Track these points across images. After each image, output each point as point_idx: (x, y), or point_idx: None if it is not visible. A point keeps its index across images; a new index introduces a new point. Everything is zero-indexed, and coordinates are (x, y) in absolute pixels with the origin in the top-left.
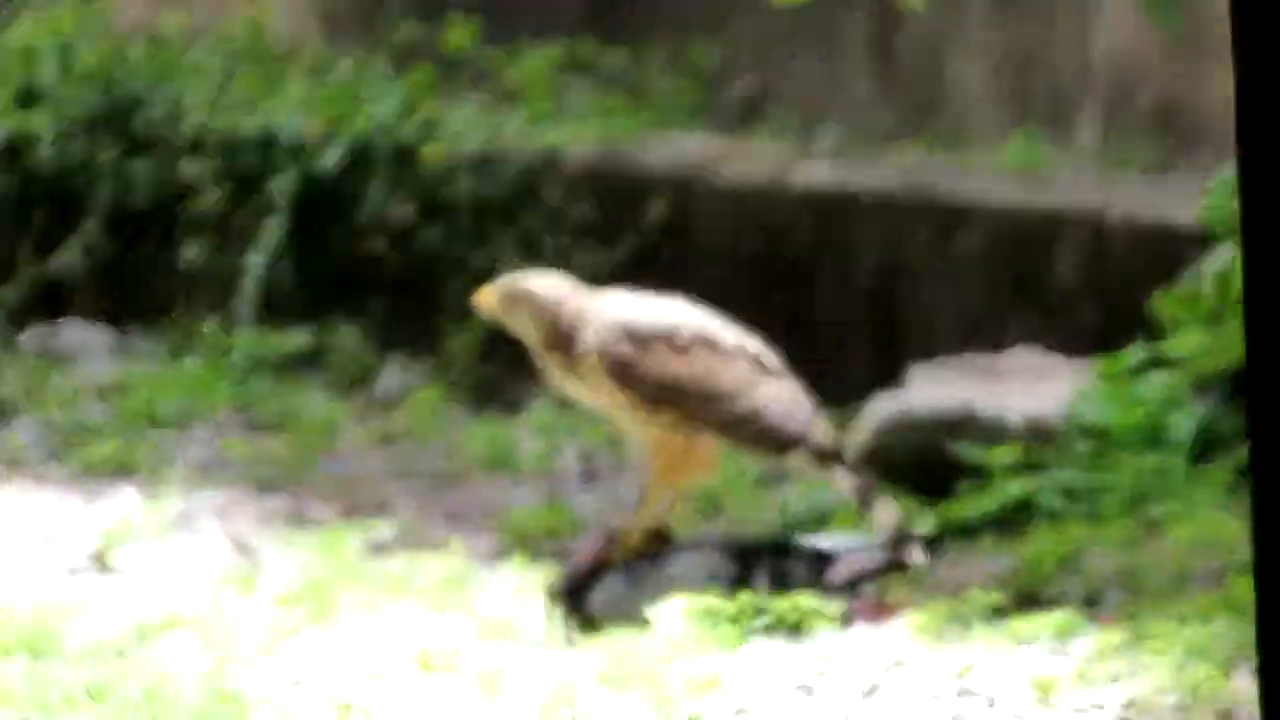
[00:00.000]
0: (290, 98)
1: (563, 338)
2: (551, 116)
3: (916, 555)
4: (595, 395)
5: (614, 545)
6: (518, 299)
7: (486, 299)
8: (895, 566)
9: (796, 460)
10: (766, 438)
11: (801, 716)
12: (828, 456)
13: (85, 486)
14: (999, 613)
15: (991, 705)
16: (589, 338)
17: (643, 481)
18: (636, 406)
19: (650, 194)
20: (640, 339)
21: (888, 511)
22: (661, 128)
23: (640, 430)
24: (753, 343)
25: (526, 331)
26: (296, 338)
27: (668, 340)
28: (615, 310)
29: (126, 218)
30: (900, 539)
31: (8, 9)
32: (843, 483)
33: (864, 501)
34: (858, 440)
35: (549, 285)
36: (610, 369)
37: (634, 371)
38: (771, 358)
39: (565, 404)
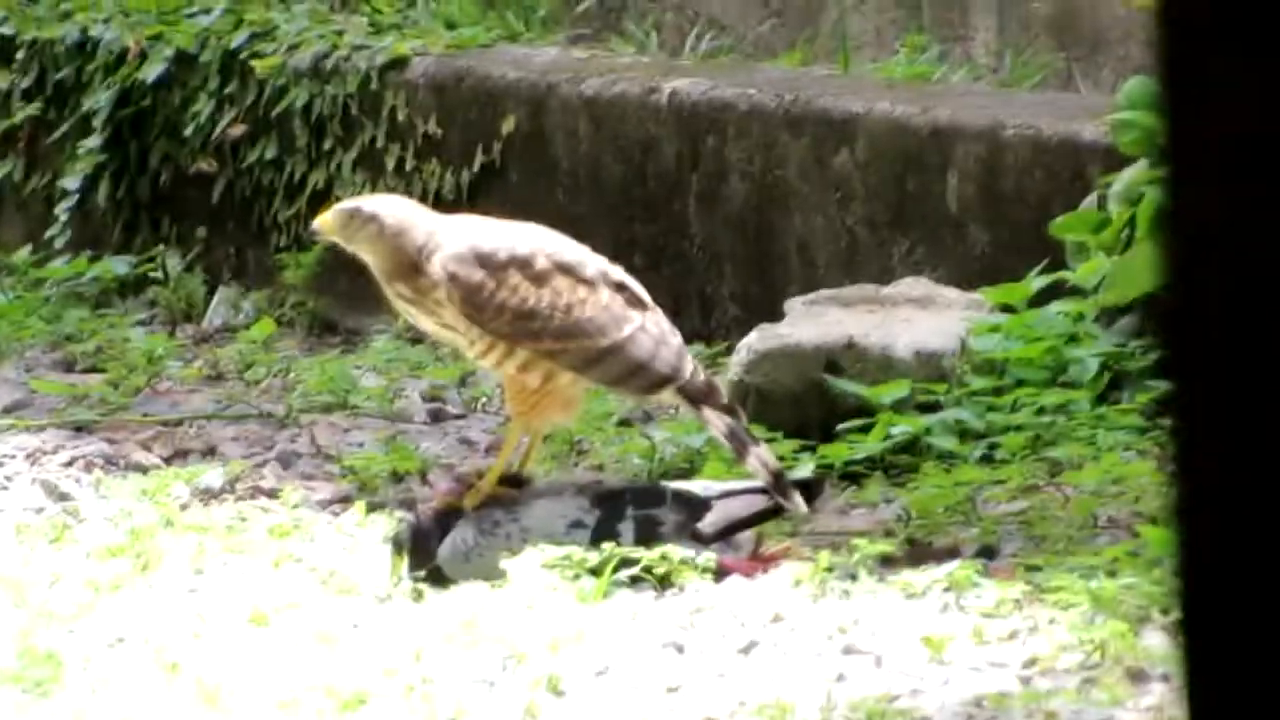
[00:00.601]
0: (107, 4)
1: (408, 265)
2: (396, 23)
3: (795, 502)
4: (444, 327)
5: (464, 491)
6: (360, 222)
7: (325, 223)
8: (772, 514)
9: (665, 400)
10: (632, 375)
11: (671, 676)
12: (698, 396)
13: None
14: (886, 563)
15: (879, 664)
16: (437, 265)
17: (500, 422)
18: (489, 340)
19: (502, 108)
20: (493, 265)
21: (762, 455)
22: (514, 36)
23: (497, 367)
24: (616, 271)
25: (370, 258)
26: (116, 266)
27: (523, 267)
28: (465, 235)
29: None
30: (777, 485)
31: None
32: (714, 424)
33: (737, 445)
34: (730, 378)
35: (393, 208)
36: (461, 298)
37: (486, 301)
38: (637, 288)
39: (410, 338)
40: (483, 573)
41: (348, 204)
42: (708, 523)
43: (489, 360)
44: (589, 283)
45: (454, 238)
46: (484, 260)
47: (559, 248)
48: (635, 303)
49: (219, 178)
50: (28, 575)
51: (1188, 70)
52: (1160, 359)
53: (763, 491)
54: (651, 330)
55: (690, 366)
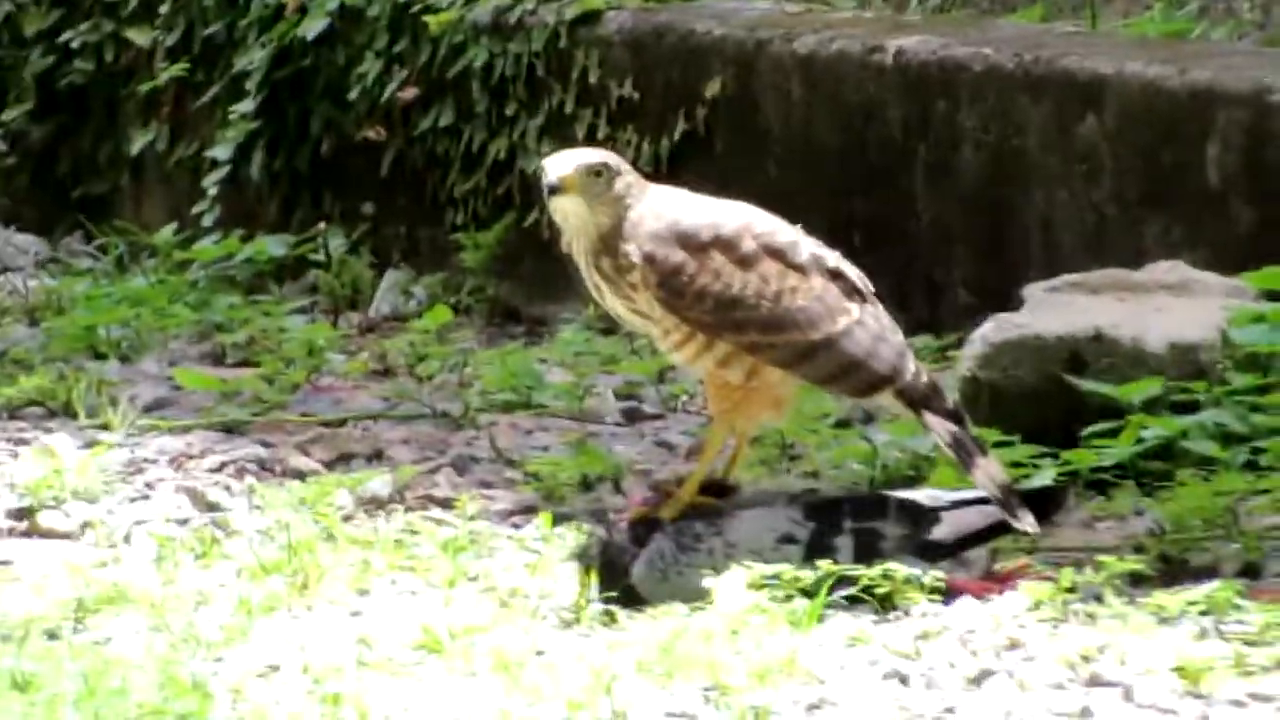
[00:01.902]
0: None
1: (611, 239)
2: None
3: (1026, 521)
4: (638, 314)
5: (661, 500)
6: (608, 179)
7: (569, 180)
8: (1008, 528)
9: (883, 402)
10: (846, 374)
11: (894, 709)
12: (920, 399)
13: (8, 429)
14: (1137, 583)
15: (1128, 697)
16: (635, 243)
17: (702, 423)
18: (687, 330)
19: (706, 68)
20: (695, 246)
21: (990, 468)
22: None
23: (695, 361)
24: (832, 256)
25: (595, 225)
26: (271, 247)
27: (728, 249)
28: (666, 210)
29: (60, 97)
30: (1006, 501)
31: None
32: (937, 431)
33: (962, 454)
34: (962, 374)
35: (626, 168)
36: (658, 282)
37: (685, 286)
38: (854, 274)
39: (602, 328)
40: (682, 593)
41: (588, 156)
42: (935, 537)
43: (685, 353)
44: (801, 269)
45: (651, 213)
46: (685, 240)
47: (769, 228)
48: (852, 293)
49: (388, 147)
50: (171, 595)
51: None
52: None
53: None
54: (870, 324)
55: (912, 366)
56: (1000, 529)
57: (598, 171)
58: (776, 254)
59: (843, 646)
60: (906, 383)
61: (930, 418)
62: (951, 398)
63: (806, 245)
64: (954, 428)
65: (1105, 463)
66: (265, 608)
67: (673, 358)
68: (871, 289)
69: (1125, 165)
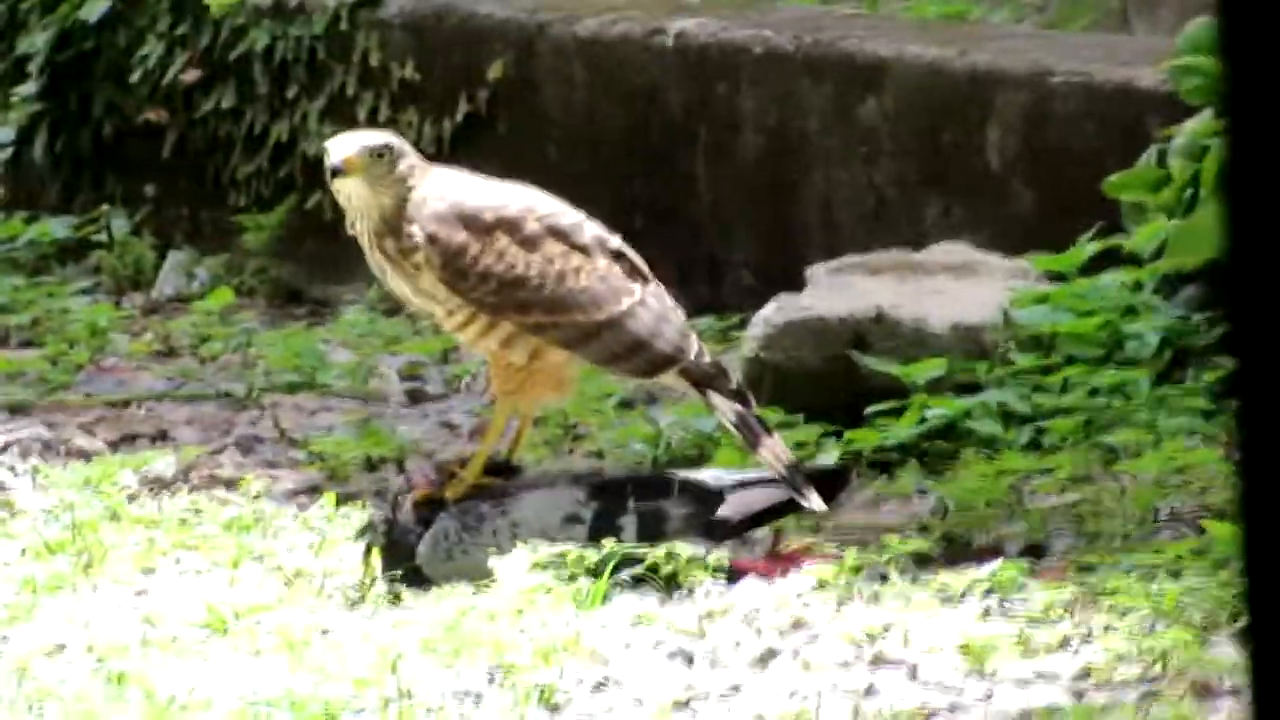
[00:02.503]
0: None
1: (394, 220)
2: None
3: (812, 500)
4: (422, 294)
5: (445, 481)
6: (389, 161)
7: (352, 162)
8: (793, 508)
9: (667, 382)
10: (630, 354)
11: (679, 688)
12: (705, 379)
13: None
14: (921, 563)
15: (913, 676)
16: (418, 224)
17: (485, 403)
18: (470, 311)
19: (487, 50)
20: (479, 227)
21: (776, 447)
22: None
23: (479, 342)
24: (613, 239)
25: (378, 206)
26: (54, 229)
27: (511, 230)
28: (449, 191)
29: None
30: (792, 480)
31: None
32: (722, 411)
33: (747, 434)
34: (745, 355)
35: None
36: (441, 263)
37: (469, 266)
38: (636, 258)
39: (385, 308)
40: (467, 572)
41: (371, 138)
42: (720, 517)
43: (468, 334)
44: (585, 249)
45: (437, 194)
46: (468, 221)
47: (552, 209)
48: (635, 274)
49: (170, 129)
50: None
51: (1255, 8)
52: (1227, 333)
53: (778, 486)
54: (653, 305)
55: (696, 346)
56: (785, 508)
57: (380, 153)
58: (560, 235)
59: (628, 626)
60: (690, 362)
61: (715, 397)
62: (736, 378)
63: (590, 227)
64: (739, 407)
65: (889, 442)
66: (50, 587)
67: (457, 338)
68: (650, 273)
69: (906, 147)
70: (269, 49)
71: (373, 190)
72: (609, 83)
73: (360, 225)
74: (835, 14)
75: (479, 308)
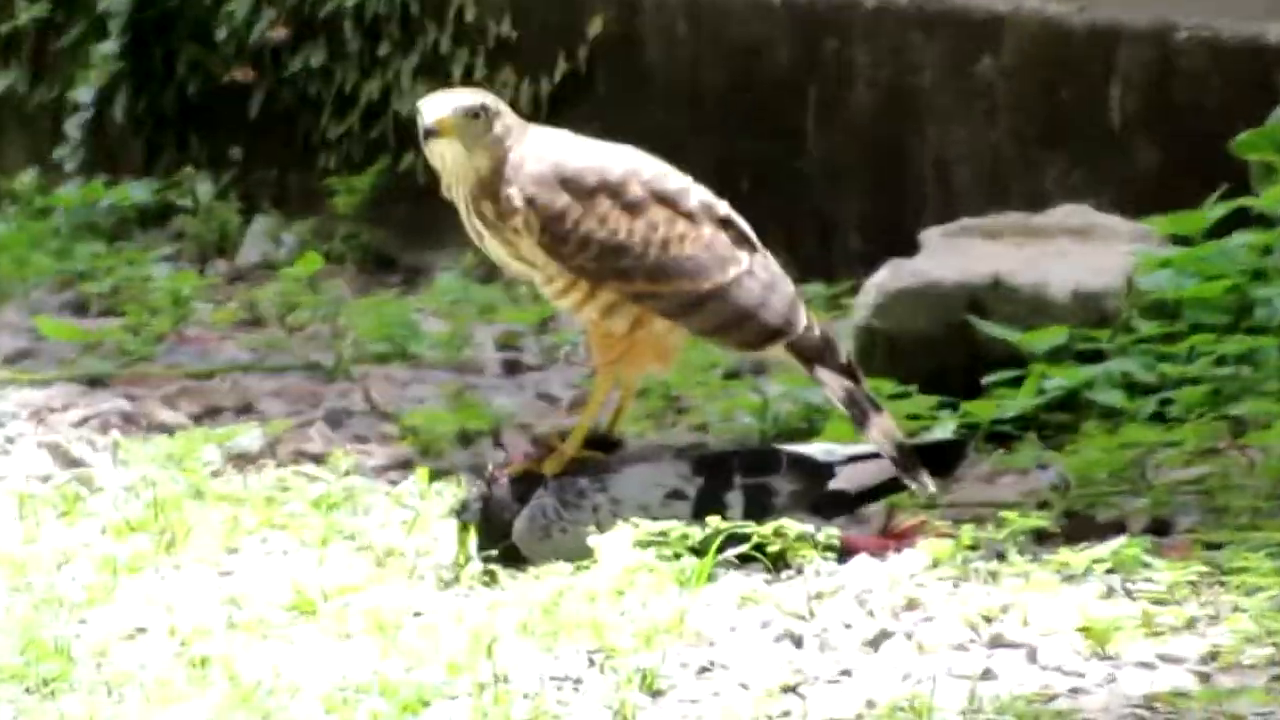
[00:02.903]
0: None
1: (491, 183)
2: None
3: (922, 480)
4: (520, 261)
5: (543, 455)
6: (485, 121)
7: (445, 124)
8: (902, 484)
9: (774, 355)
10: (736, 326)
11: (787, 672)
12: (813, 353)
13: None
14: (1040, 540)
15: (1032, 658)
16: (517, 186)
17: (586, 374)
18: (570, 278)
19: (587, 6)
20: (580, 190)
21: (885, 425)
22: None
23: (579, 309)
24: (721, 206)
25: (473, 169)
26: (135, 192)
27: (614, 194)
28: (549, 153)
29: None
30: (902, 459)
31: None
32: (830, 386)
33: (855, 411)
34: (856, 322)
35: (504, 109)
36: (540, 227)
37: (569, 232)
38: (744, 226)
39: (481, 275)
40: (565, 552)
41: (466, 98)
42: (829, 493)
43: (568, 301)
44: (690, 215)
45: (536, 155)
46: (569, 184)
47: (657, 173)
48: (742, 241)
49: (257, 89)
50: (33, 555)
51: None
52: None
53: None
54: (760, 274)
55: (804, 318)
56: (897, 484)
57: (475, 114)
58: (665, 200)
59: (733, 607)
60: (799, 335)
61: (823, 372)
62: (845, 351)
63: (696, 192)
64: (848, 383)
65: (1007, 414)
66: (131, 567)
67: (556, 305)
68: (759, 242)
69: (1024, 104)
70: (360, 5)
71: (468, 152)
72: (714, 39)
73: (455, 189)
74: None
75: (579, 274)
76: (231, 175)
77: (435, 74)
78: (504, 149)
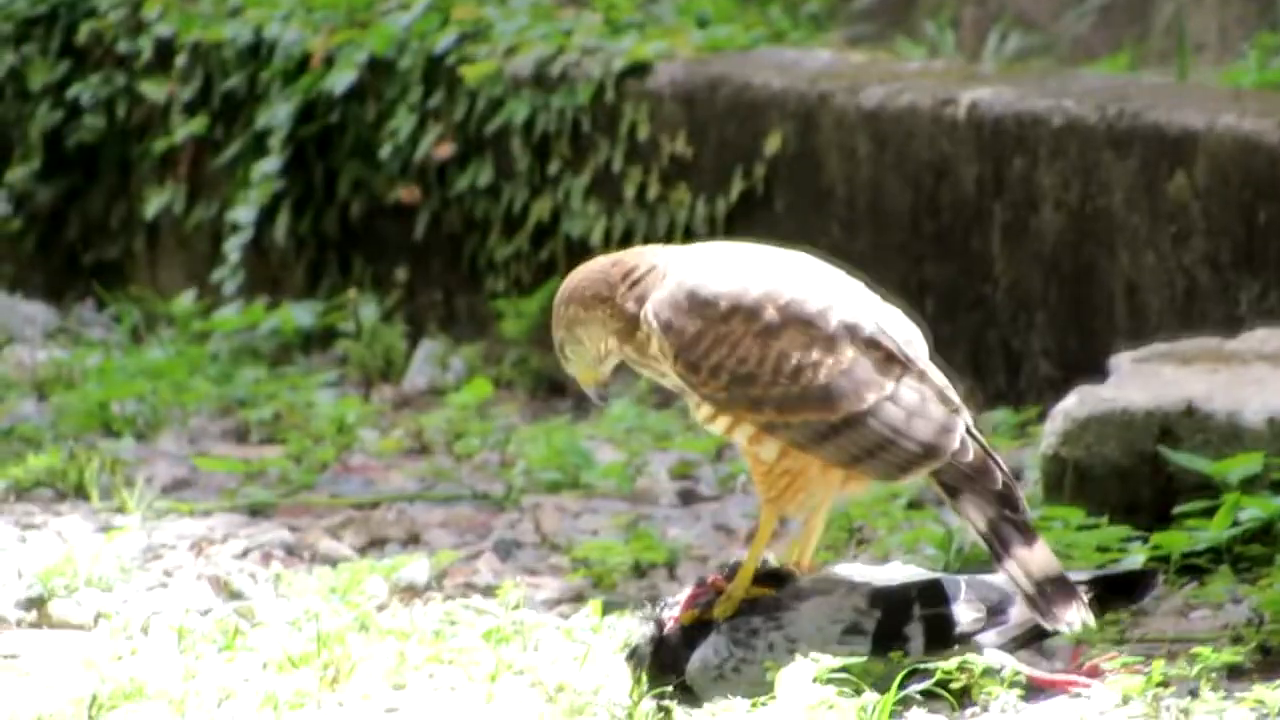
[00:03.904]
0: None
1: (627, 314)
2: (636, 22)
3: (1064, 620)
4: (677, 386)
5: (714, 599)
6: (568, 315)
7: (581, 377)
8: (1037, 634)
9: (920, 482)
10: (872, 455)
11: None
12: (960, 480)
13: (16, 513)
14: (1235, 676)
15: None
16: (650, 310)
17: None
18: (705, 402)
19: (765, 122)
20: (713, 315)
21: (1028, 561)
22: (779, 35)
23: (729, 435)
24: (879, 317)
25: (608, 344)
26: (298, 315)
27: (749, 318)
28: (690, 276)
29: (69, 156)
30: (1041, 598)
31: None
32: (973, 519)
33: (997, 543)
34: (1044, 450)
35: (583, 273)
36: (674, 353)
37: (701, 358)
38: (898, 340)
39: (656, 403)
40: (741, 690)
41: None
42: (1014, 625)
43: (718, 427)
44: (830, 340)
45: (674, 274)
46: (702, 308)
47: (800, 294)
48: (890, 362)
49: (422, 208)
50: (193, 690)
51: None
52: None
53: (1090, 584)
54: (906, 398)
55: (955, 444)
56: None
57: (558, 318)
58: (802, 324)
59: None
60: (945, 462)
61: (967, 503)
62: (1000, 477)
63: (839, 312)
64: (993, 513)
65: (1199, 546)
66: (293, 704)
67: (710, 429)
68: (923, 353)
69: (1218, 225)
70: (529, 122)
71: (589, 338)
72: (896, 157)
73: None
74: (1141, 83)
75: (711, 403)
76: (397, 298)
77: (607, 193)
78: (596, 308)
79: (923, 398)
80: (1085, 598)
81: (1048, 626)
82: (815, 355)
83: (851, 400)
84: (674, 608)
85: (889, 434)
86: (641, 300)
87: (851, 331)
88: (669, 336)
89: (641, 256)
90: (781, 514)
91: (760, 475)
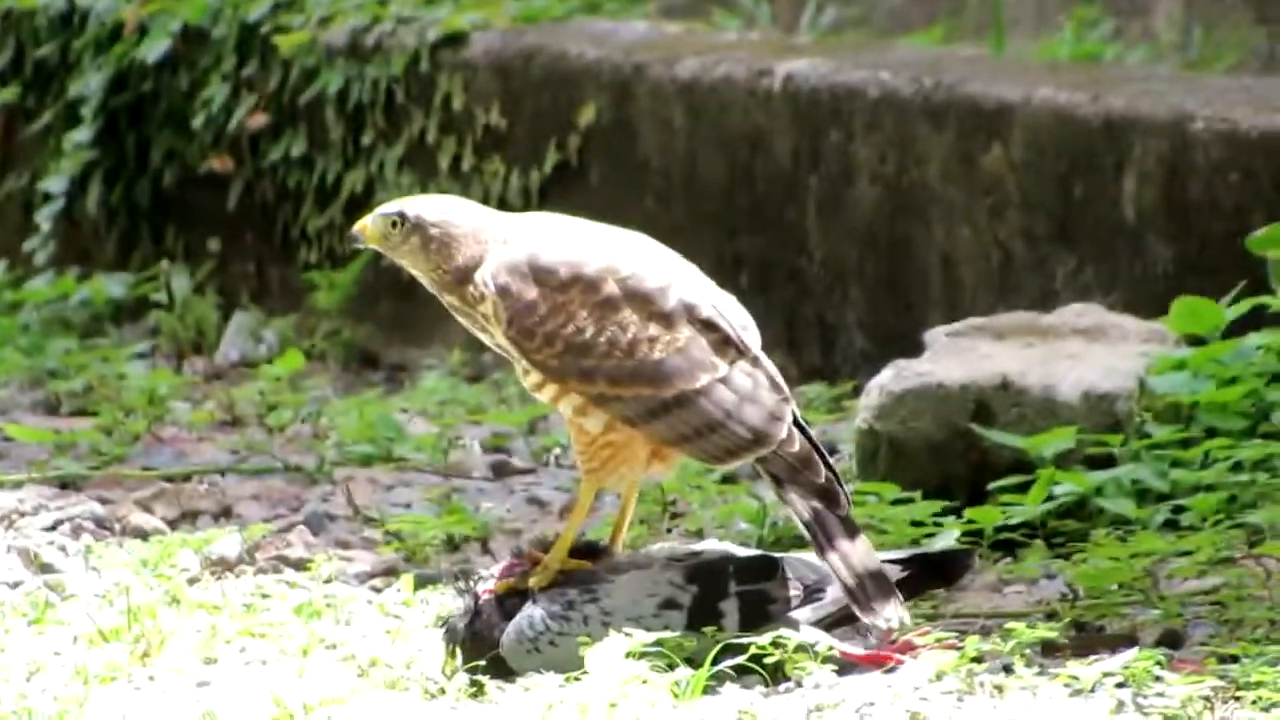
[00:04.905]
0: None
1: (459, 273)
2: None
3: (881, 613)
4: (500, 349)
5: (529, 569)
6: (404, 230)
7: (366, 229)
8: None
9: (749, 466)
10: (700, 436)
11: None
12: (785, 471)
13: None
14: (1048, 652)
15: None
16: (487, 273)
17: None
18: (540, 374)
19: (580, 94)
20: (551, 283)
21: (850, 554)
22: (594, 6)
23: (556, 404)
24: (711, 302)
25: (416, 271)
26: (109, 287)
27: (587, 290)
28: (530, 240)
29: None
30: (861, 592)
31: None
32: (797, 509)
33: (819, 537)
34: (858, 425)
35: (444, 210)
36: (508, 318)
37: (535, 326)
38: (733, 324)
39: (468, 375)
40: (555, 664)
41: (390, 207)
42: (829, 602)
43: (545, 395)
44: (666, 317)
45: (516, 241)
46: (541, 275)
47: (638, 270)
48: (725, 345)
49: (235, 179)
50: (1, 665)
51: None
52: None
53: (906, 564)
54: (739, 382)
55: (783, 432)
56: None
57: (393, 222)
58: (640, 299)
59: None
60: (770, 451)
61: (792, 493)
62: (831, 469)
63: (679, 291)
64: (818, 505)
65: (1013, 521)
66: (104, 677)
67: (536, 398)
68: (755, 340)
69: (1034, 199)
70: (343, 92)
71: (398, 257)
72: (711, 129)
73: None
74: (957, 55)
75: (542, 370)
76: (209, 269)
77: (421, 164)
78: (441, 251)
79: (755, 383)
80: (900, 595)
81: (866, 620)
82: (652, 330)
83: (685, 378)
84: (489, 580)
85: (720, 416)
86: (477, 261)
87: (689, 310)
88: (505, 301)
89: (490, 219)
90: (601, 486)
91: (583, 447)
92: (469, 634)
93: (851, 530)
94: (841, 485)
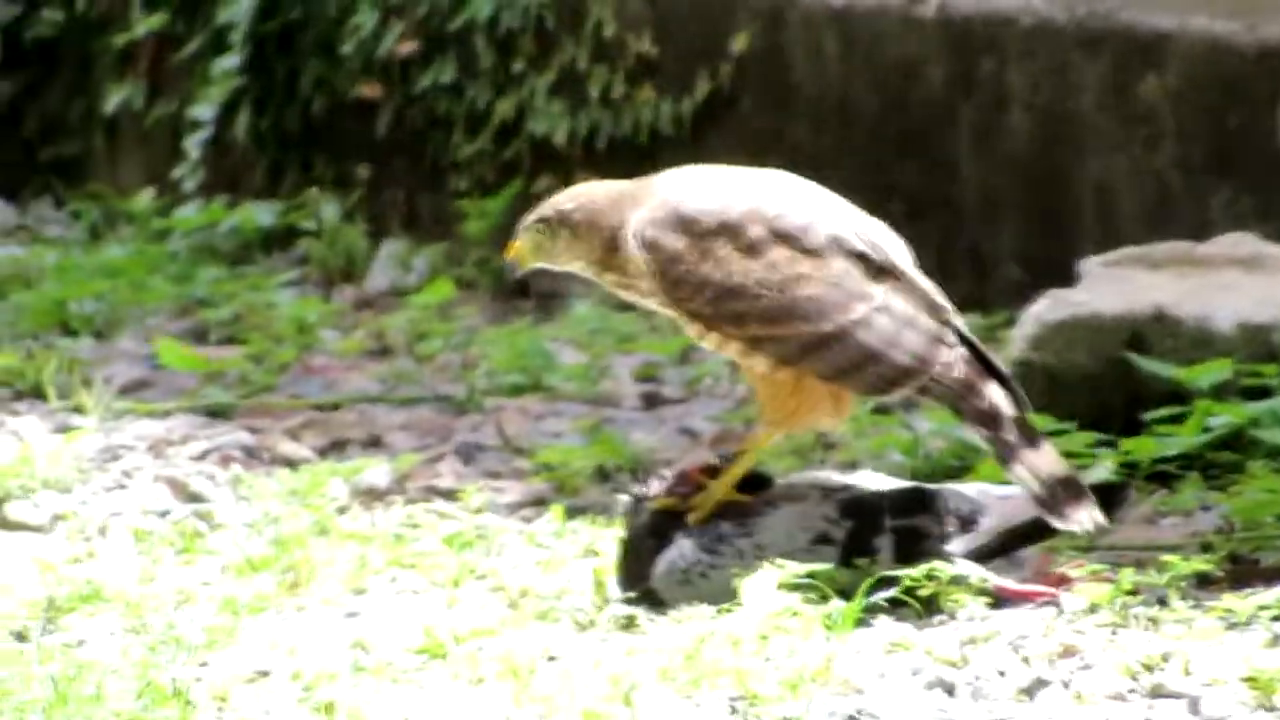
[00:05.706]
0: None
1: (609, 243)
2: None
3: (1074, 519)
4: (665, 307)
5: (691, 492)
6: (552, 230)
7: (519, 250)
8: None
9: (910, 397)
10: (859, 368)
11: None
12: (949, 398)
13: None
14: (1203, 585)
15: (1194, 709)
16: (633, 230)
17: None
18: (696, 323)
19: (732, 21)
20: (697, 232)
21: (1035, 462)
22: None
23: (722, 350)
24: (860, 233)
25: (576, 266)
26: (258, 215)
27: (734, 235)
28: (671, 194)
29: (28, 50)
30: (1049, 498)
31: None
32: (974, 429)
33: (1003, 450)
34: (1013, 356)
35: (574, 194)
36: (659, 271)
37: (685, 275)
38: (883, 253)
39: (619, 304)
40: (707, 596)
41: (527, 219)
42: (983, 534)
43: (708, 345)
44: (814, 253)
45: (657, 197)
46: (687, 226)
47: (782, 209)
48: (880, 273)
49: (385, 106)
50: (150, 594)
51: None
52: None
53: (1043, 505)
54: (897, 308)
55: (946, 355)
56: (1048, 531)
57: (540, 230)
58: (787, 238)
59: (883, 653)
60: (933, 375)
61: (967, 413)
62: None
63: (825, 225)
64: (990, 425)
65: (1169, 453)
66: (253, 608)
67: (704, 346)
68: (909, 262)
69: (1189, 129)
70: (493, 19)
71: (559, 263)
72: (864, 57)
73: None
74: None
75: (695, 318)
76: (358, 197)
77: (571, 93)
78: (588, 233)
79: (908, 309)
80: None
81: (1060, 527)
82: (802, 268)
83: (838, 312)
84: (658, 485)
85: (877, 347)
86: (623, 225)
87: (838, 243)
88: (653, 254)
89: (624, 187)
90: (786, 432)
91: (771, 401)
92: (621, 559)
93: (1034, 439)
94: (1017, 392)
